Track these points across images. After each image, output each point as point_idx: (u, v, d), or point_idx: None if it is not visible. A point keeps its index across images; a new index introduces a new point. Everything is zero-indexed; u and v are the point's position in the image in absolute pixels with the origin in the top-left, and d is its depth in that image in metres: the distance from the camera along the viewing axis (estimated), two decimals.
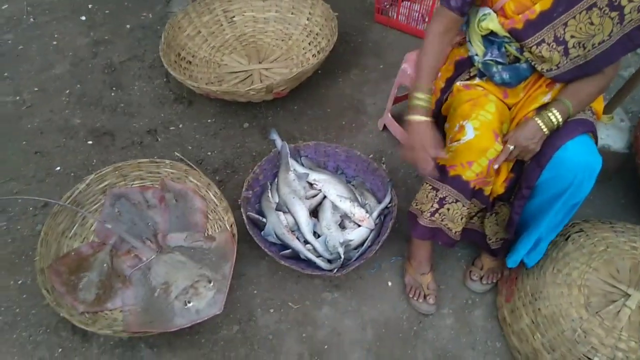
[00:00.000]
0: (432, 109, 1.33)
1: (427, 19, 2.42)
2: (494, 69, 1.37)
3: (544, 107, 1.31)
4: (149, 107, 2.14)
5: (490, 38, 1.36)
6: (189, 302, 1.46)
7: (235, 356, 1.48)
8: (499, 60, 1.36)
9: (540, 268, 1.49)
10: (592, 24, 1.20)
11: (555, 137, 1.26)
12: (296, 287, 1.64)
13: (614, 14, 1.18)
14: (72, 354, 1.47)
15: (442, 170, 1.36)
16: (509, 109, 1.40)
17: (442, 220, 1.42)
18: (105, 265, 1.58)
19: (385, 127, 2.08)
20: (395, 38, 2.50)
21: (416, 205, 1.49)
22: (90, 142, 2.01)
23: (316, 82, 2.25)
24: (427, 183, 1.44)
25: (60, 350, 1.48)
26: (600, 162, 1.24)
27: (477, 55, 1.41)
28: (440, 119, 1.54)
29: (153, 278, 1.57)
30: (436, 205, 1.40)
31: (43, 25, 2.44)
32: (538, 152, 1.28)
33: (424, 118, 1.30)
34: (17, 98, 2.14)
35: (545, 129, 1.26)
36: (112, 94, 2.19)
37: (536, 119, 1.27)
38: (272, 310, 1.58)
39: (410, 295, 1.60)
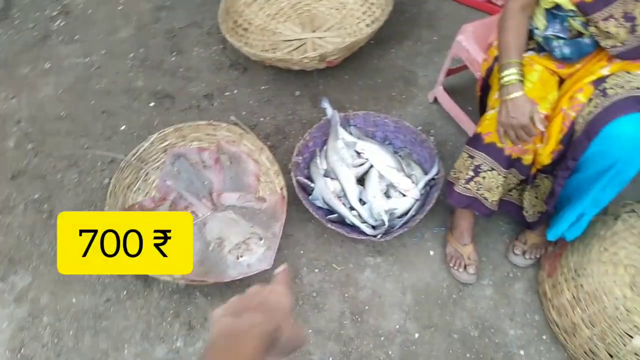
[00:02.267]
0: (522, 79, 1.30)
1: None
2: (555, 43, 1.35)
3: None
4: (206, 72, 2.24)
5: (553, 12, 1.33)
6: (241, 257, 1.56)
7: None
8: (561, 35, 1.34)
9: (587, 245, 1.49)
10: None
11: (608, 110, 1.23)
12: (340, 250, 1.71)
13: None
14: (136, 296, 1.62)
15: (477, 138, 1.38)
16: (561, 79, 1.38)
17: (478, 189, 1.44)
18: None
19: (435, 99, 2.08)
20: (451, 9, 2.46)
21: (454, 174, 1.52)
22: (152, 104, 2.13)
23: (368, 52, 2.26)
24: (464, 151, 1.47)
25: (125, 292, 1.63)
26: None
27: (537, 29, 1.39)
28: (486, 89, 1.54)
29: (208, 233, 1.69)
30: (472, 173, 1.42)
31: None
32: (588, 124, 1.25)
33: (521, 92, 1.27)
34: (87, 60, 2.29)
35: None
36: (173, 58, 2.29)
37: None
38: (316, 270, 1.67)
39: (451, 265, 1.64)
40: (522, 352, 1.50)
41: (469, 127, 1.90)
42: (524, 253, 1.65)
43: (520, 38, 1.33)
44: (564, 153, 1.32)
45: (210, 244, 1.66)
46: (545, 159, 1.34)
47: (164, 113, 2.10)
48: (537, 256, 1.65)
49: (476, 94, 1.63)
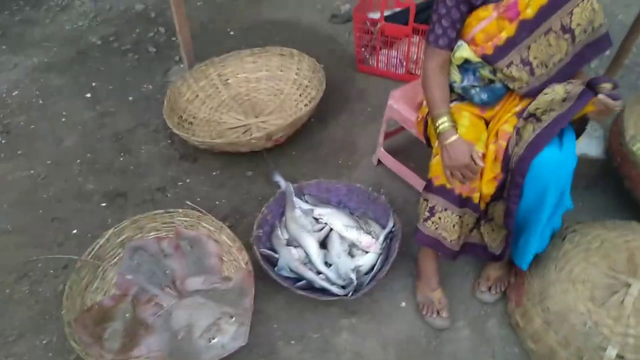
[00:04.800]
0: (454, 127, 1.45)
1: (404, 63, 2.64)
2: (473, 91, 1.53)
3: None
4: (157, 167, 2.28)
5: (465, 66, 1.53)
6: (213, 339, 1.51)
7: None
8: (475, 84, 1.53)
9: (544, 268, 1.57)
10: (550, 45, 1.39)
11: (533, 145, 1.38)
12: (314, 316, 1.69)
13: (567, 35, 1.38)
14: None
15: (429, 183, 1.49)
16: (486, 122, 1.55)
17: (436, 229, 1.52)
18: (127, 314, 1.64)
19: (379, 161, 2.22)
20: (377, 83, 2.71)
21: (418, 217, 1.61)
22: (104, 204, 2.11)
23: (310, 128, 2.41)
24: (420, 196, 1.57)
25: None
26: (573, 157, 1.37)
27: (455, 82, 1.57)
28: (428, 141, 1.69)
29: (175, 322, 1.63)
30: (427, 214, 1.51)
31: (51, 106, 2.62)
32: (519, 158, 1.39)
33: (456, 136, 1.43)
34: (32, 172, 2.27)
35: None
36: (121, 158, 2.32)
37: None
38: (293, 342, 1.63)
39: (424, 312, 1.66)
40: None
41: (415, 181, 2.03)
42: (489, 289, 1.70)
43: (443, 91, 1.52)
44: (506, 180, 1.45)
45: (179, 333, 1.59)
46: (489, 188, 1.46)
47: (118, 211, 2.08)
48: (502, 289, 1.71)
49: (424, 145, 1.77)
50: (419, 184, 2.02)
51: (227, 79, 2.63)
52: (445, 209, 1.49)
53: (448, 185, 1.46)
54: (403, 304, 1.72)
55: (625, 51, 1.72)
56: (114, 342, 1.55)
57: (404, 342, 1.61)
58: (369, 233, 1.83)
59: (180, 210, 1.83)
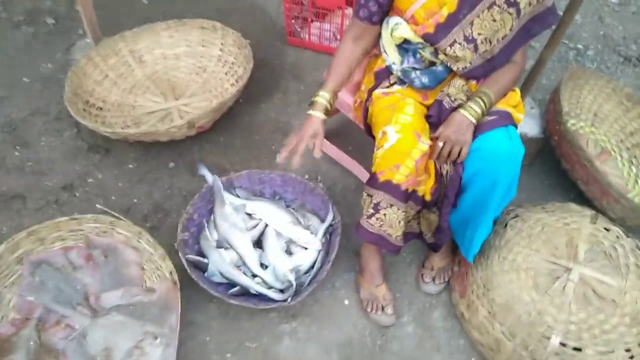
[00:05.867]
0: (330, 109, 1.41)
1: (338, 37, 2.47)
2: (413, 75, 1.41)
3: (467, 100, 1.36)
4: (61, 162, 1.98)
5: (404, 46, 1.40)
6: None
7: None
8: (416, 66, 1.41)
9: (487, 258, 1.53)
10: (494, 20, 1.29)
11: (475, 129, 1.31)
12: (251, 324, 1.55)
13: (512, 9, 1.28)
14: None
15: (373, 177, 1.37)
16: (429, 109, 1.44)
17: (381, 226, 1.41)
18: (32, 342, 1.40)
19: None
20: (311, 58, 2.53)
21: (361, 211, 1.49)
22: None
23: (239, 111, 2.20)
24: (364, 191, 1.45)
25: None
26: (521, 147, 1.30)
27: (394, 64, 1.44)
28: (369, 129, 1.56)
29: (91, 346, 1.42)
30: (372, 210, 1.40)
31: None
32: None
33: (320, 115, 1.38)
34: None
35: (471, 118, 1.31)
36: (17, 153, 1.99)
37: (461, 111, 1.32)
38: (229, 355, 1.48)
39: (369, 310, 1.57)
40: None
41: (356, 169, 1.91)
42: (433, 279, 1.64)
43: (345, 63, 1.43)
44: (439, 190, 1.37)
45: (96, 359, 1.39)
46: (427, 195, 1.38)
47: (15, 217, 1.79)
48: (446, 279, 1.65)
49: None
50: (359, 171, 1.90)
51: (141, 56, 2.33)
52: (391, 205, 1.37)
53: (394, 181, 1.34)
54: (346, 301, 1.62)
55: (564, 25, 1.66)
56: None
57: (348, 345, 1.52)
58: (307, 228, 1.69)
59: (89, 215, 1.58)
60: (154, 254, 1.55)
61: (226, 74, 2.30)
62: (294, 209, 1.79)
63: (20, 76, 2.28)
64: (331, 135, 2.00)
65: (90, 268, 1.58)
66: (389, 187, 1.35)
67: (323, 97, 1.39)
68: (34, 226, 1.54)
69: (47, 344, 1.42)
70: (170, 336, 1.36)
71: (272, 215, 1.70)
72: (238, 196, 1.78)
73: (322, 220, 1.72)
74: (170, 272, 1.49)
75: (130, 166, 1.98)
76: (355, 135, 2.04)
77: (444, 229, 1.44)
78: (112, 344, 1.40)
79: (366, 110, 1.53)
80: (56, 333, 1.45)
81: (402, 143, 1.29)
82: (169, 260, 1.51)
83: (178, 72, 2.35)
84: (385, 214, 1.39)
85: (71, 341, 1.43)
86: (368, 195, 1.41)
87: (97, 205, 1.65)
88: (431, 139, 1.34)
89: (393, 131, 1.32)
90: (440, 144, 1.31)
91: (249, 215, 1.73)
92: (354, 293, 1.64)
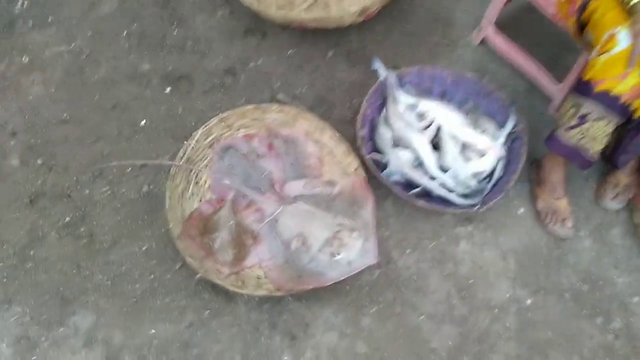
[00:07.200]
0: None
1: None
2: None
3: None
4: (219, 43, 1.94)
5: None
6: (338, 254, 1.41)
7: (383, 300, 1.47)
8: None
9: None
10: None
11: None
12: (427, 224, 1.59)
13: None
14: (221, 314, 1.46)
15: (585, 86, 1.25)
16: None
17: (580, 139, 1.33)
18: (232, 222, 1.51)
19: (482, 40, 1.90)
20: None
21: (556, 118, 1.40)
22: (168, 90, 1.84)
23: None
24: (568, 100, 1.34)
25: (207, 312, 1.46)
26: None
27: None
28: (580, 29, 1.39)
29: (283, 231, 1.52)
30: (576, 121, 1.30)
31: None
32: None
33: None
34: (72, 46, 1.92)
35: None
36: (175, 31, 1.96)
37: None
38: (408, 251, 1.55)
39: (547, 221, 1.56)
40: (635, 300, 1.48)
41: (531, 69, 1.76)
42: (616, 196, 1.59)
43: None
44: None
45: (291, 243, 1.49)
46: (638, 110, 1.25)
47: (185, 98, 1.82)
48: (630, 196, 1.59)
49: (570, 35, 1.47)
50: (533, 71, 1.75)
51: None
52: (602, 118, 1.27)
53: (615, 91, 1.22)
54: (520, 210, 1.62)
55: None
56: (225, 253, 1.45)
57: (524, 252, 1.55)
58: (483, 133, 1.63)
59: (274, 105, 1.58)
60: (336, 148, 1.57)
61: None
62: (466, 110, 1.72)
63: None
64: (501, 26, 1.81)
65: (273, 157, 1.62)
66: (606, 98, 1.24)
67: None
68: (225, 113, 1.56)
69: (243, 225, 1.53)
70: (368, 230, 1.42)
71: (446, 116, 1.64)
72: (408, 94, 1.71)
73: (500, 126, 1.65)
74: (356, 168, 1.51)
75: (289, 52, 1.91)
76: (530, 26, 1.85)
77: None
78: (306, 231, 1.49)
79: (584, 5, 1.35)
80: (249, 215, 1.55)
81: None
82: (354, 156, 1.52)
83: None
84: (590, 127, 1.30)
85: (264, 225, 1.53)
86: (574, 105, 1.30)
87: (279, 96, 1.63)
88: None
89: (626, 34, 1.17)
90: None
91: (420, 115, 1.67)
92: (528, 204, 1.62)
